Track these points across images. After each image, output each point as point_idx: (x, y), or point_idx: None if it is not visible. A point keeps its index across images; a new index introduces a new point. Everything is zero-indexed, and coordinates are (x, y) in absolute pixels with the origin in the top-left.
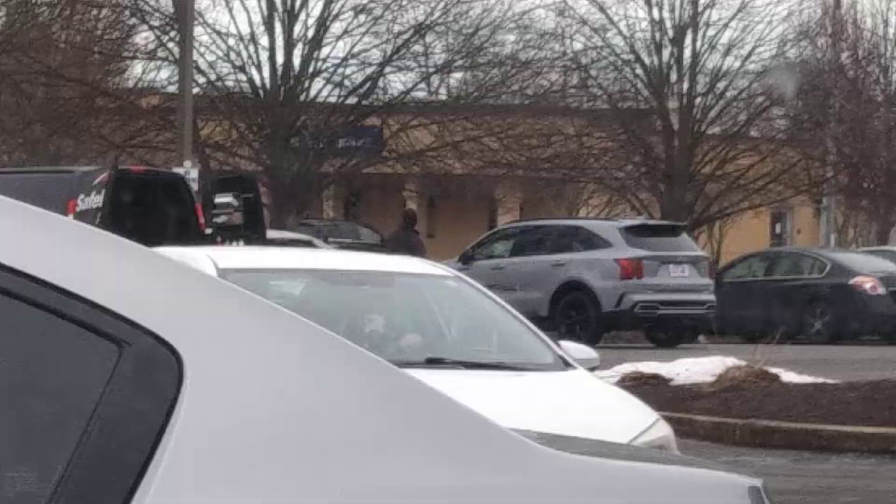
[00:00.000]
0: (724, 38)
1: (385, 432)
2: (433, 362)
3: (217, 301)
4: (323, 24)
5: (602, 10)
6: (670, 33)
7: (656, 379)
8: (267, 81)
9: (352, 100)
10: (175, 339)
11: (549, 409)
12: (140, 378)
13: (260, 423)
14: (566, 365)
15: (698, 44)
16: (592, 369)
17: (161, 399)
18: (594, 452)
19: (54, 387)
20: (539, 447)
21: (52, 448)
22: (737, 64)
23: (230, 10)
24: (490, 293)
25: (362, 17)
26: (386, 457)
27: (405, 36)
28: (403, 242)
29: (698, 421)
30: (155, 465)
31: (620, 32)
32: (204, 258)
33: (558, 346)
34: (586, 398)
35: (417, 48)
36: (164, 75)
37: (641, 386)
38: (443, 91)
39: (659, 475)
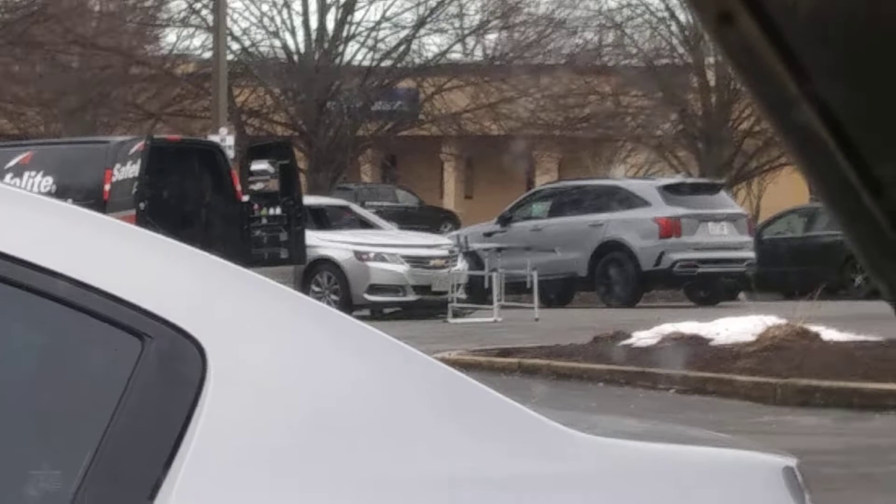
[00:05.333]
0: None
1: (422, 421)
2: None
3: (241, 292)
4: None
5: None
6: None
7: (696, 339)
8: (301, 46)
9: (386, 63)
10: (198, 331)
11: None
12: (163, 372)
13: (288, 414)
14: None
15: None
16: None
17: (185, 392)
18: (624, 434)
19: (76, 383)
20: (574, 433)
21: (75, 444)
22: None
23: None
24: None
25: None
26: (423, 445)
27: None
28: None
29: (739, 381)
30: (179, 459)
31: None
32: None
33: None
34: None
35: (451, 9)
36: (198, 42)
37: (682, 346)
38: (478, 52)
39: (692, 456)
